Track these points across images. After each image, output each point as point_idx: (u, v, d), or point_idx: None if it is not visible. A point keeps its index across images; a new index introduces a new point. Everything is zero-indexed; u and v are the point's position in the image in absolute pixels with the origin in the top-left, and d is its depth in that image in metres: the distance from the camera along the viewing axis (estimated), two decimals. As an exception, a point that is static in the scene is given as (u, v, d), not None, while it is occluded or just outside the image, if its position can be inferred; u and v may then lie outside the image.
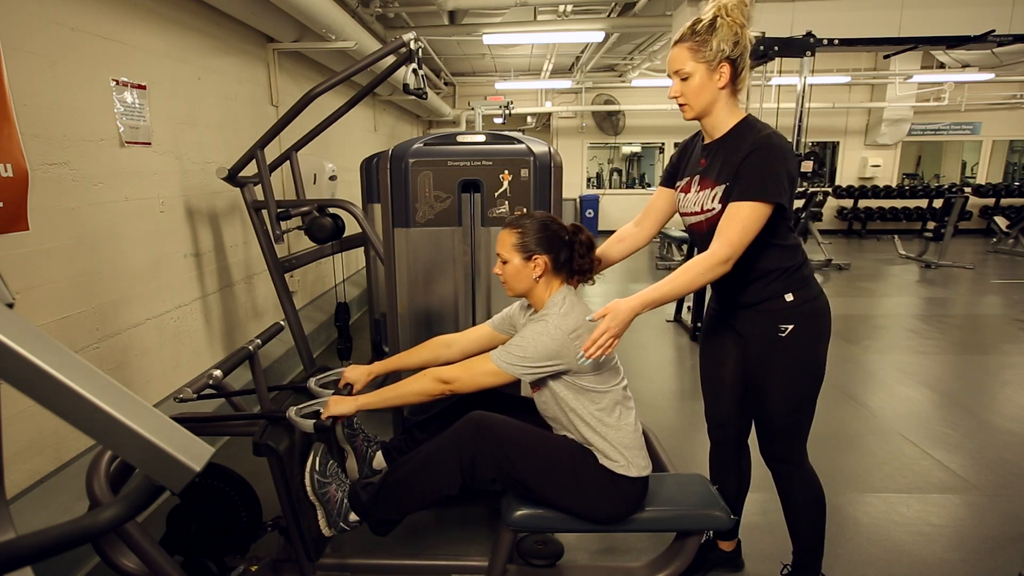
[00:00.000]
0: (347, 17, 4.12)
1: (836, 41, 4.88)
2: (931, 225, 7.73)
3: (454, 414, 1.81)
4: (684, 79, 1.55)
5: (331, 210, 3.02)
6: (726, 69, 1.52)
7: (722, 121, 1.59)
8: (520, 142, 2.26)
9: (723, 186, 1.55)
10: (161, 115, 2.80)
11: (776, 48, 4.38)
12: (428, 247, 2.32)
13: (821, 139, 11.09)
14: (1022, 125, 10.81)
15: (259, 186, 2.84)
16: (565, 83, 9.96)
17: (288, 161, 2.98)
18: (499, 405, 1.77)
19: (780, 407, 1.67)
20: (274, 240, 2.80)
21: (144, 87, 2.65)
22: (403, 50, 2.45)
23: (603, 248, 1.85)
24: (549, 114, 11.14)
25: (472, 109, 7.99)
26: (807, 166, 5.13)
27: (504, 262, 1.65)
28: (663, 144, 11.47)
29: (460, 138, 2.29)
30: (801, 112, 5.09)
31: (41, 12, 2.12)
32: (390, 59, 2.59)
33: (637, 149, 12.10)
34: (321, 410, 1.64)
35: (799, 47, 4.82)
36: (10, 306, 0.86)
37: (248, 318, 3.71)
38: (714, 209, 1.58)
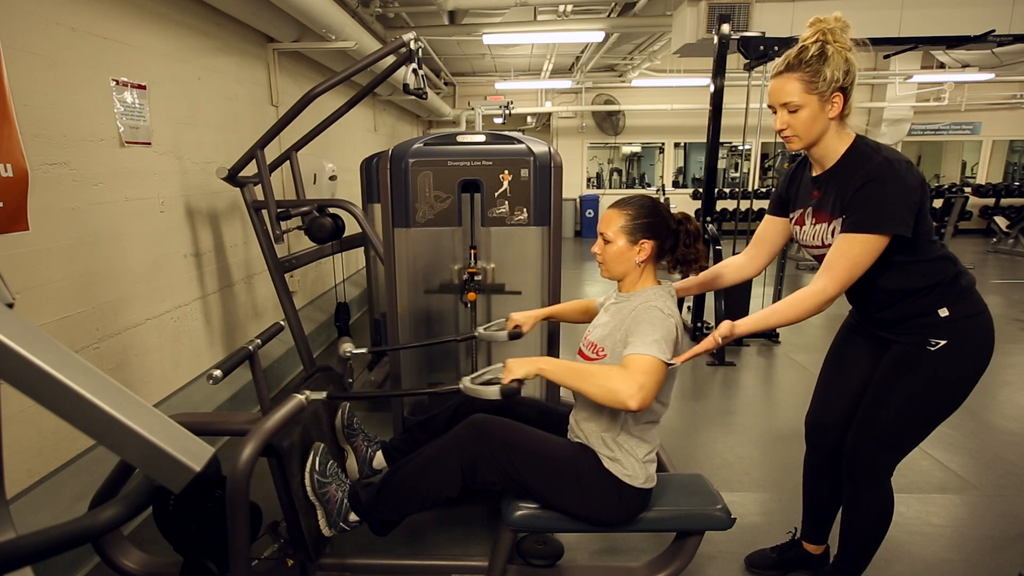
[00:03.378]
0: (347, 17, 4.12)
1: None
2: (931, 225, 7.72)
3: (454, 415, 1.81)
4: (793, 111, 1.49)
5: (331, 210, 3.01)
6: (839, 99, 1.46)
7: (832, 149, 1.53)
8: (520, 142, 2.26)
9: (840, 219, 1.50)
10: (161, 115, 2.80)
11: (776, 48, 4.34)
12: (428, 247, 2.32)
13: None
14: (1022, 125, 10.80)
15: (259, 186, 2.84)
16: (565, 83, 9.95)
17: (288, 161, 2.98)
18: (500, 407, 1.75)
19: (895, 414, 1.58)
20: (274, 240, 2.80)
21: (144, 87, 2.65)
22: (403, 50, 2.45)
23: (716, 273, 1.81)
24: (549, 114, 11.13)
25: (472, 109, 7.99)
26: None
27: (607, 242, 1.57)
28: (663, 144, 11.45)
29: (460, 138, 2.29)
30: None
31: (41, 12, 2.11)
32: (390, 59, 2.59)
33: (637, 149, 12.10)
34: (499, 377, 1.46)
35: (800, 47, 4.79)
36: (10, 306, 0.86)
37: (248, 318, 3.71)
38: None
